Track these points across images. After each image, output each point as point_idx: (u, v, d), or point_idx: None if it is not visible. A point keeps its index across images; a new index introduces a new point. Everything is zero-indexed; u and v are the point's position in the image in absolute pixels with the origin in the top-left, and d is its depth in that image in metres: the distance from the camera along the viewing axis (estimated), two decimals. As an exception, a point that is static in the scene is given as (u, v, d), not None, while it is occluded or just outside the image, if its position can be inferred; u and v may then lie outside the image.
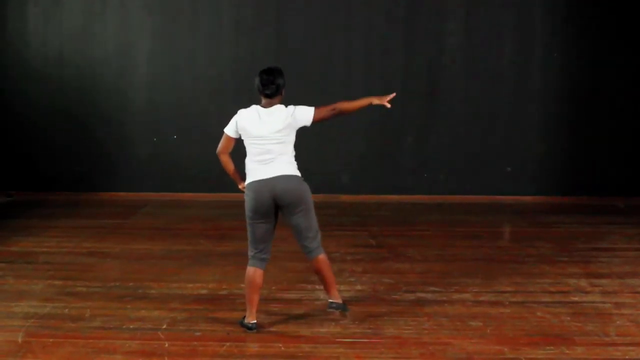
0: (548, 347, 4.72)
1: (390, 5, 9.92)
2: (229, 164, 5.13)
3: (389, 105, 5.06)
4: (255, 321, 5.02)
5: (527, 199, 9.99)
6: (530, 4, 9.92)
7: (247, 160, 5.01)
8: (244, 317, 5.06)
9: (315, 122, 4.97)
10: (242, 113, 4.99)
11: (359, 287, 6.00)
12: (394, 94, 5.09)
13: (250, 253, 5.07)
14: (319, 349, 4.69)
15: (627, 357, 4.61)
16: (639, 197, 9.83)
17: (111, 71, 10.04)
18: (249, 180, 4.97)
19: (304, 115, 4.93)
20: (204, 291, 5.88)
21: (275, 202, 4.91)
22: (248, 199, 4.95)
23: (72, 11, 9.97)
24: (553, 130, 10.04)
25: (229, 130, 5.03)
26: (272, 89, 4.91)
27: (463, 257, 6.98)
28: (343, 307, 5.22)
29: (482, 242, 7.66)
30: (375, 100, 5.06)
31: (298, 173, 5.00)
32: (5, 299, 5.63)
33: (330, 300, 5.19)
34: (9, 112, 10.06)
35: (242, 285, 5.76)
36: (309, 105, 5.00)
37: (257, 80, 4.94)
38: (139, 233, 7.95)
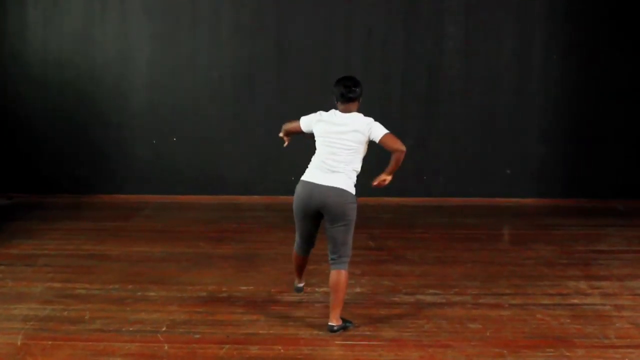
0: (548, 350, 4.73)
1: (390, 8, 9.92)
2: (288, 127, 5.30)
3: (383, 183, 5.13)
4: (302, 284, 5.48)
5: (527, 201, 9.97)
6: (530, 6, 9.91)
7: (314, 158, 5.05)
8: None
9: (380, 143, 4.99)
10: (323, 113, 5.06)
11: (358, 289, 5.99)
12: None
13: (296, 239, 5.18)
14: (318, 352, 4.70)
15: (626, 359, 4.62)
16: (639, 199, 9.81)
17: (111, 74, 10.01)
18: (305, 177, 5.00)
19: (378, 130, 4.97)
20: (203, 294, 5.86)
21: (320, 209, 4.93)
22: (296, 196, 5.00)
23: (72, 14, 9.94)
24: (553, 132, 10.02)
25: (304, 121, 5.13)
26: (355, 92, 4.98)
27: (462, 260, 6.97)
28: (344, 326, 5.00)
29: (481, 244, 7.65)
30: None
31: (353, 190, 5.01)
32: (5, 301, 5.63)
33: (330, 324, 4.97)
34: (9, 115, 10.04)
35: (242, 288, 5.83)
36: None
37: (336, 88, 5.00)
38: (139, 235, 7.94)
